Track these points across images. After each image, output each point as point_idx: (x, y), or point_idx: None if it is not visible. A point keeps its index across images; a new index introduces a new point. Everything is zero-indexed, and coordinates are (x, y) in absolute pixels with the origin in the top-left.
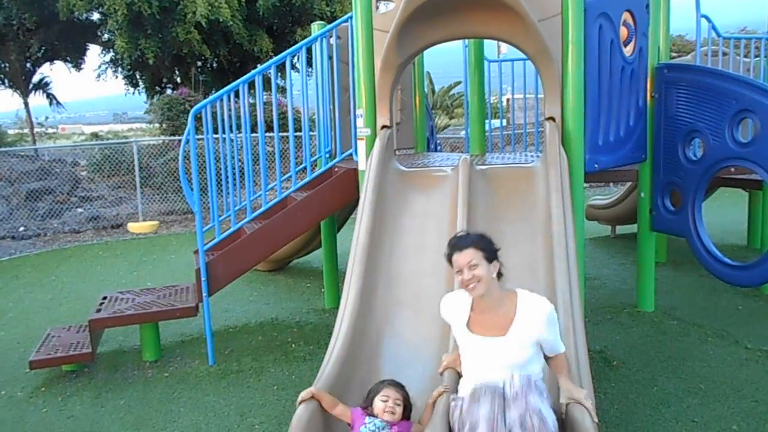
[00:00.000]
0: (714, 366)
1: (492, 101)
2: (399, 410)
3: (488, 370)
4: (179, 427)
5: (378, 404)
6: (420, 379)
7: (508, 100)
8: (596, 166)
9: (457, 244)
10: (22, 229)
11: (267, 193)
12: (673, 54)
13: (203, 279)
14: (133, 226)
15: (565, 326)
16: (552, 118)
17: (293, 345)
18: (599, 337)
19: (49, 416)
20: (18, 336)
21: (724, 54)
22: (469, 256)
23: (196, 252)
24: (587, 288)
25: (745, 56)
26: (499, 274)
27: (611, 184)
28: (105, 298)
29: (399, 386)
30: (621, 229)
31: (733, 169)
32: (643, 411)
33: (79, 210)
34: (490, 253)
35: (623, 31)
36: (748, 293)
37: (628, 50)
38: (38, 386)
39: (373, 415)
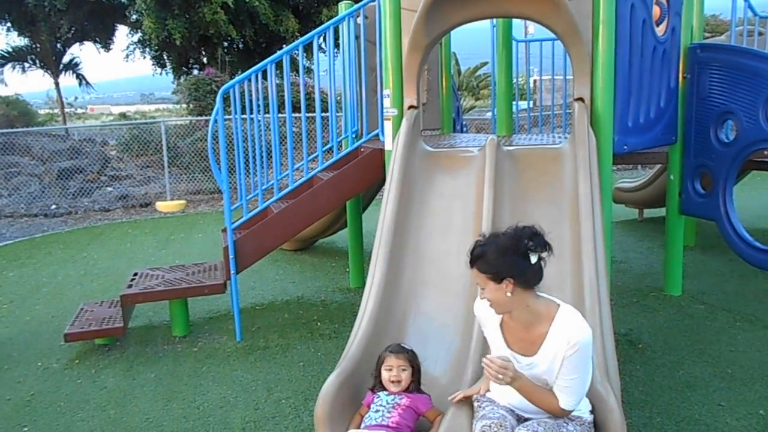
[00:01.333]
0: (742, 351)
1: (519, 82)
2: (404, 375)
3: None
4: (208, 401)
5: (384, 374)
6: (445, 358)
7: (535, 81)
8: (625, 147)
9: (469, 257)
10: (54, 207)
11: (294, 172)
12: (707, 34)
13: (231, 257)
14: (161, 205)
15: (591, 308)
16: (581, 99)
17: (319, 323)
18: (625, 320)
19: (83, 387)
20: (52, 310)
21: (760, 34)
22: (474, 276)
23: (224, 230)
24: (614, 271)
25: None
26: (529, 286)
27: (640, 166)
28: (136, 274)
29: (402, 351)
30: (648, 213)
31: (766, 152)
32: (668, 393)
33: (109, 189)
34: (497, 273)
35: (656, 10)
36: None
37: (660, 30)
38: (73, 358)
39: (384, 389)
